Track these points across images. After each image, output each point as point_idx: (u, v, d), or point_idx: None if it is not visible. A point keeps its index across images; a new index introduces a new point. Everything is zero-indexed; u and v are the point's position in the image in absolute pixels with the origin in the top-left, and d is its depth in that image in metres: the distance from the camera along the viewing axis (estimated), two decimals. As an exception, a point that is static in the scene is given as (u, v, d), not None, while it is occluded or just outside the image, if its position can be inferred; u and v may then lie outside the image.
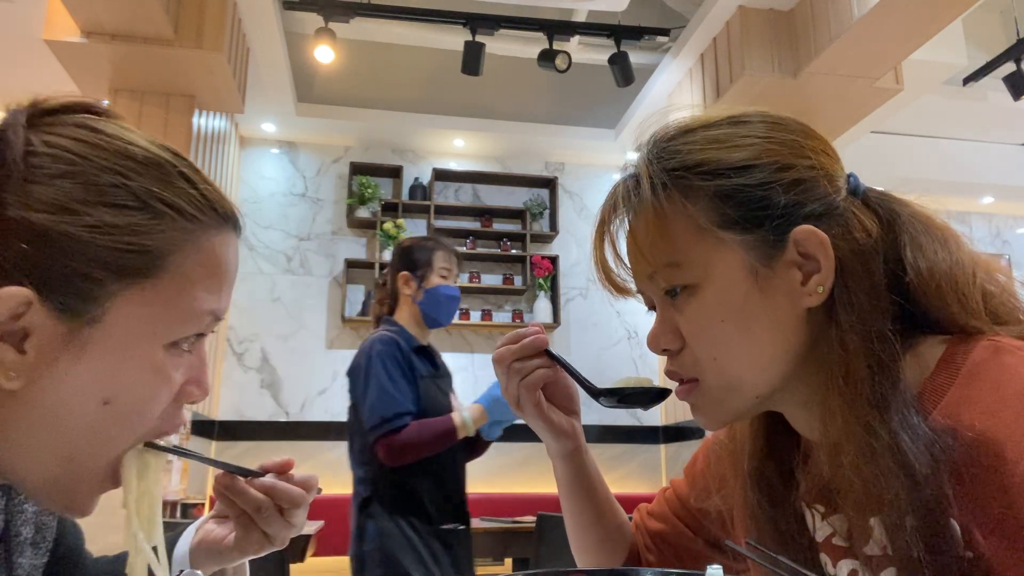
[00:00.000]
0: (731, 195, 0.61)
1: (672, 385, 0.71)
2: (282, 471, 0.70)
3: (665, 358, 0.68)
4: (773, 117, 0.65)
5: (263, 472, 0.69)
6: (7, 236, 0.49)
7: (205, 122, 4.29)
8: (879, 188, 0.66)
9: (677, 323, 0.64)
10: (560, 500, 0.89)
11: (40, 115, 0.54)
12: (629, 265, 0.68)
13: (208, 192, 0.57)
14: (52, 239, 0.49)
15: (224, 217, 0.58)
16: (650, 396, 0.73)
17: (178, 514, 3.64)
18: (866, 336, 0.58)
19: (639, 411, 5.31)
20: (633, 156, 0.69)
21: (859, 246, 0.61)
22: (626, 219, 0.66)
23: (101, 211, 0.51)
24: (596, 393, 0.75)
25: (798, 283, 0.60)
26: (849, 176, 0.65)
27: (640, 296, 0.70)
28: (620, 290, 0.70)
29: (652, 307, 0.69)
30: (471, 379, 5.12)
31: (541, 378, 0.79)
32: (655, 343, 0.66)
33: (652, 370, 5.37)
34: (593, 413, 5.78)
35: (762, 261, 0.61)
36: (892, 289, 0.60)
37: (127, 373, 0.52)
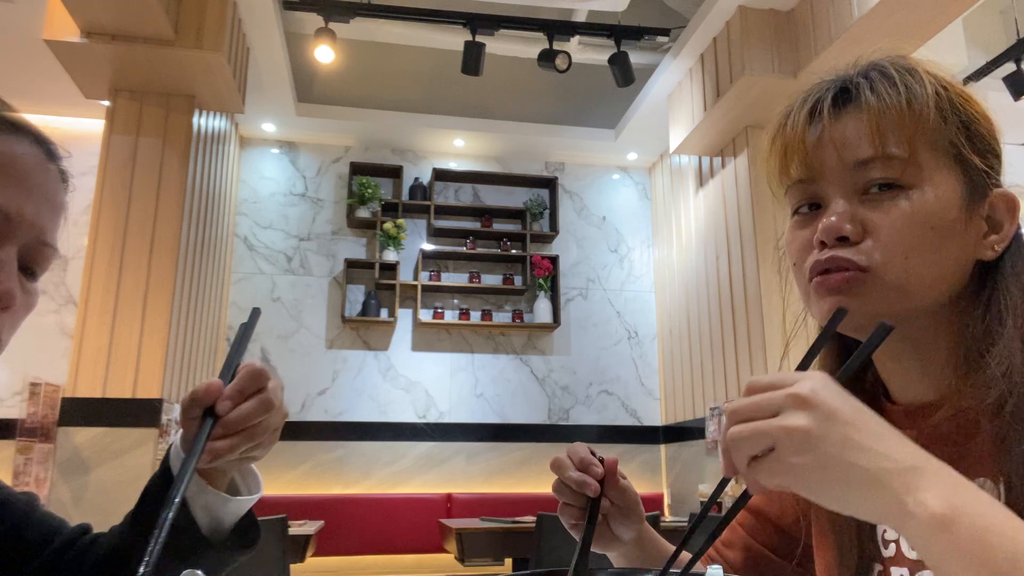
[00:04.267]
0: (976, 132, 0.66)
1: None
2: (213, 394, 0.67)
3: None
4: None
5: (212, 415, 0.66)
6: None
7: (205, 122, 4.29)
8: None
9: (864, 217, 0.65)
10: None
11: None
12: (843, 145, 0.66)
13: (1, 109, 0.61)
14: None
15: (15, 126, 0.61)
16: None
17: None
18: None
19: (639, 411, 5.31)
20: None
21: None
22: (886, 96, 0.66)
23: None
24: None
25: (982, 234, 0.66)
26: None
27: (796, 190, 0.70)
28: (789, 172, 0.70)
29: (799, 203, 0.70)
30: (471, 379, 5.12)
31: (565, 515, 0.81)
32: (834, 231, 0.65)
33: (652, 370, 5.37)
34: (593, 413, 5.77)
35: (975, 198, 0.65)
36: None
37: None
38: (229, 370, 0.67)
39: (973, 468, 0.60)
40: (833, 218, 0.65)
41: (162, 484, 0.72)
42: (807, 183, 0.69)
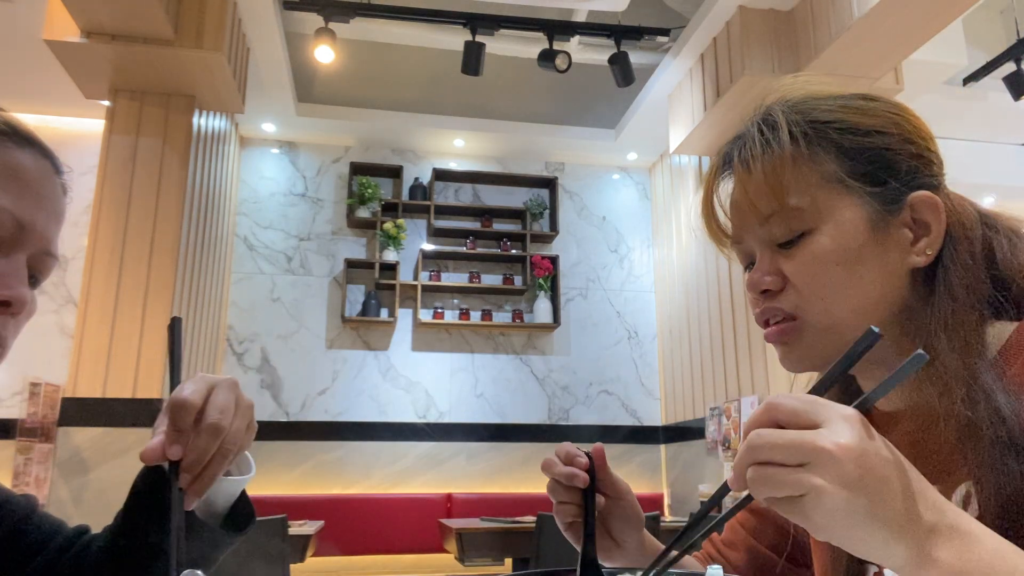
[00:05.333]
0: (861, 152, 0.66)
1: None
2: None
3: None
4: (895, 102, 0.70)
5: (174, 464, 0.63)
6: None
7: (205, 122, 4.29)
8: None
9: (781, 267, 0.67)
10: None
11: None
12: (741, 209, 0.70)
13: (11, 119, 0.64)
14: None
15: (25, 139, 0.64)
16: None
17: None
18: (974, 292, 0.62)
19: (639, 411, 5.31)
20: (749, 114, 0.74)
21: (964, 221, 0.66)
22: (750, 162, 0.68)
23: None
24: (588, 563, 0.73)
25: (908, 243, 0.65)
26: None
27: (734, 248, 0.73)
28: (722, 236, 0.73)
29: (746, 262, 0.72)
30: (471, 379, 5.12)
31: (561, 513, 0.81)
32: (757, 285, 0.68)
33: (652, 370, 5.37)
34: (593, 413, 5.75)
35: (881, 215, 0.65)
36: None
37: None
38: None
39: (955, 474, 0.60)
40: (755, 275, 0.68)
41: (150, 478, 0.72)
42: (737, 244, 0.72)
